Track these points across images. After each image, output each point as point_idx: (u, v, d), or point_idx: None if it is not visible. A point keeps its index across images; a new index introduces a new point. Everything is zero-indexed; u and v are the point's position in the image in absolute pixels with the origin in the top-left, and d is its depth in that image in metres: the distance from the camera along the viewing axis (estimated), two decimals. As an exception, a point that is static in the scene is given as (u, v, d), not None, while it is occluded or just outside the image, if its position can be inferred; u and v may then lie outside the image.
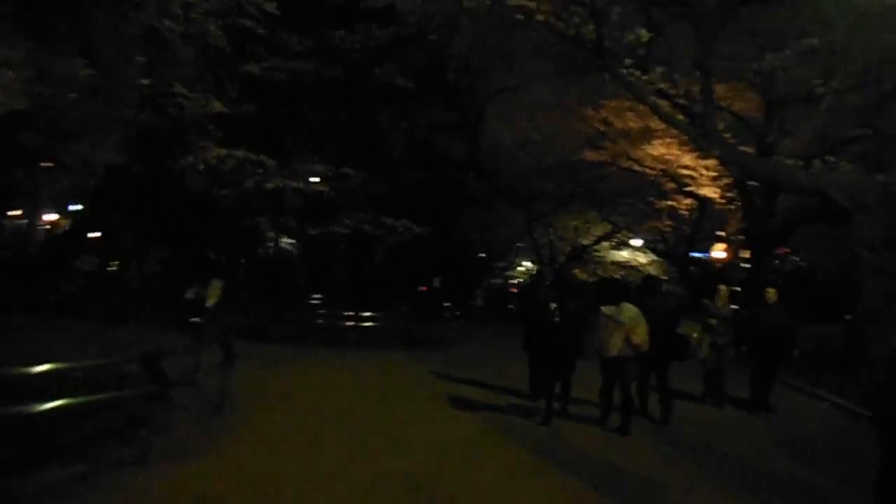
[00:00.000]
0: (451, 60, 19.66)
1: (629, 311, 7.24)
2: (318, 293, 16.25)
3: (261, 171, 13.73)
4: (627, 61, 11.19)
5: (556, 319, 7.43)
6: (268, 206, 14.20)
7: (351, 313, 13.09)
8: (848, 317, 14.10)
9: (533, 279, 30.98)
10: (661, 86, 11.30)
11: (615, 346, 7.18)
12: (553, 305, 7.55)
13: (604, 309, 7.43)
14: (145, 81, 11.52)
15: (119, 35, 10.14)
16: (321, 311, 13.89)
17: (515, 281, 40.17)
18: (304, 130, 15.13)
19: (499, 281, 42.77)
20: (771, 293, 9.24)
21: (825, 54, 11.17)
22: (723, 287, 9.81)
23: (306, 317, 13.49)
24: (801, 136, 13.45)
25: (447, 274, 23.51)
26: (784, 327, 8.85)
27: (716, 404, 9.33)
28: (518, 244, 39.67)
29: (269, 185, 13.35)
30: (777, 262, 16.62)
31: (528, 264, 44.10)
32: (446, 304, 18.58)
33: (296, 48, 14.28)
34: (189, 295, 9.04)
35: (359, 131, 16.69)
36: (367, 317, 13.38)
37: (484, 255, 43.76)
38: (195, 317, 8.62)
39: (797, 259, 19.27)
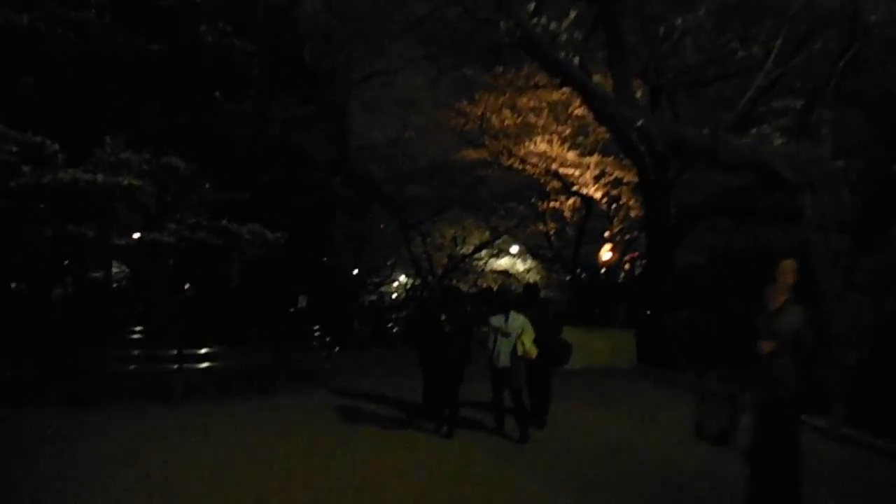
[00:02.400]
0: (306, 39, 16.37)
1: (517, 320, 7.28)
2: (141, 325, 12.08)
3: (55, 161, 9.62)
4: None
5: (447, 330, 7.46)
6: (58, 209, 10.03)
7: (174, 352, 9.29)
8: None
9: (423, 294, 28.41)
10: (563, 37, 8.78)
11: (505, 356, 7.21)
12: (443, 317, 7.55)
13: (492, 320, 7.44)
14: None
15: None
16: (135, 353, 9.76)
17: (394, 297, 37.08)
18: (111, 111, 11.08)
19: (373, 298, 39.60)
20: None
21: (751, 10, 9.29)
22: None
23: (110, 362, 9.44)
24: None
25: (316, 292, 19.92)
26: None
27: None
28: (390, 260, 36.90)
29: (47, 179, 9.23)
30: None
31: (404, 278, 41.33)
32: (315, 329, 15.01)
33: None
34: None
35: (190, 117, 12.86)
36: (200, 355, 9.66)
37: (357, 270, 40.46)
38: None
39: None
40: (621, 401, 10.26)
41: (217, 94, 12.01)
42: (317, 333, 14.28)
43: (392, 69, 18.03)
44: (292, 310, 18.29)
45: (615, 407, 9.65)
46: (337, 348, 12.85)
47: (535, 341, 7.26)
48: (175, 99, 12.15)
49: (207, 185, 14.19)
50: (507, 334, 7.19)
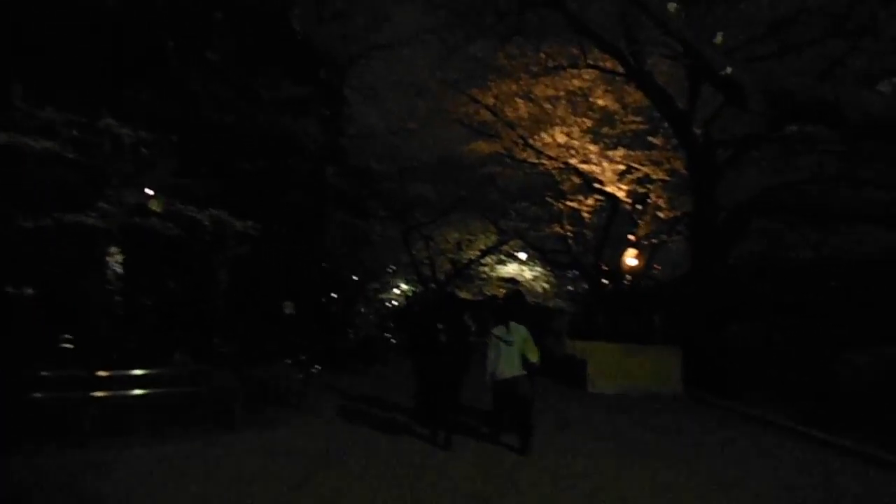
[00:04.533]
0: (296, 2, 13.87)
1: (518, 330, 7.04)
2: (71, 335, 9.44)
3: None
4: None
5: (443, 339, 7.22)
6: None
7: (87, 374, 6.63)
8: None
9: (413, 303, 25.92)
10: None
11: (509, 367, 6.88)
12: (440, 326, 7.31)
13: (494, 331, 7.14)
14: None
15: None
16: (42, 375, 7.02)
17: (394, 304, 34.57)
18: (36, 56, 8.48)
19: (371, 306, 37.02)
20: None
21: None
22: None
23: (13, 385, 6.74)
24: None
25: (306, 297, 17.34)
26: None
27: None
28: (390, 266, 34.37)
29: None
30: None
31: (404, 286, 38.75)
32: (298, 341, 12.35)
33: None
34: None
35: (141, 74, 10.28)
36: (126, 378, 6.98)
37: (355, 276, 37.86)
38: None
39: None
40: (679, 446, 7.55)
41: (170, 43, 9.42)
42: (298, 346, 11.61)
43: (395, 42, 15.49)
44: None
45: (673, 459, 6.84)
46: (317, 367, 10.19)
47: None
48: (122, 49, 9.57)
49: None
50: (510, 343, 6.92)
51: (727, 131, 14.12)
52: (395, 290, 38.59)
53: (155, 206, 10.86)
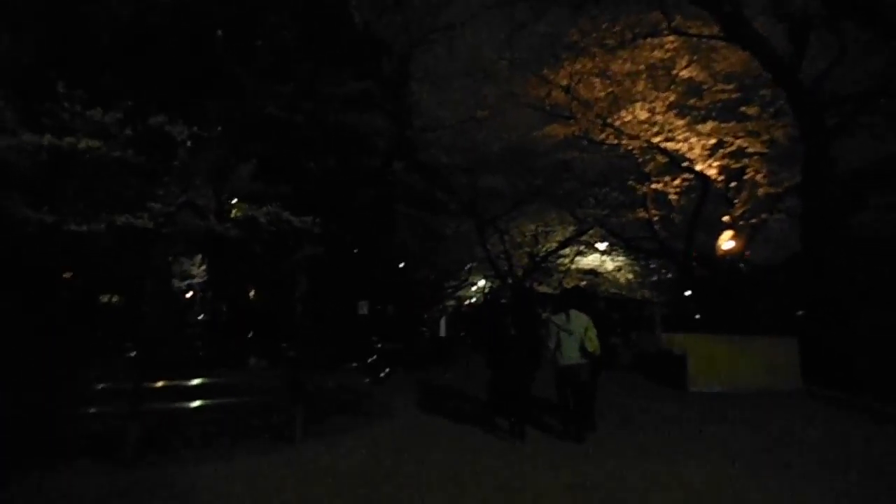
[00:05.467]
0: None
1: (579, 318, 7.01)
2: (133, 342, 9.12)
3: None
4: None
5: (512, 332, 7.16)
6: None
7: (134, 385, 6.08)
8: None
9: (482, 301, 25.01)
10: None
11: (568, 354, 6.91)
12: (508, 320, 7.30)
13: (553, 318, 7.16)
14: None
15: None
16: (94, 389, 6.53)
17: (471, 301, 33.82)
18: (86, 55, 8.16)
19: (452, 303, 36.31)
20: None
21: None
22: None
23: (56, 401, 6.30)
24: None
25: (380, 296, 16.76)
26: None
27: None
28: (470, 263, 33.49)
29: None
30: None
31: (483, 282, 37.79)
32: (376, 342, 11.62)
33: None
34: None
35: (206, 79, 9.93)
36: (188, 388, 6.42)
37: (432, 275, 37.26)
38: None
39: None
40: (815, 455, 6.16)
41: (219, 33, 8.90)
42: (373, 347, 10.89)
43: (458, 23, 14.49)
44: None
45: (803, 473, 5.54)
46: (386, 370, 9.40)
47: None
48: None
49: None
50: (570, 332, 6.93)
51: (835, 93, 12.26)
52: (473, 287, 37.72)
53: (235, 211, 10.51)
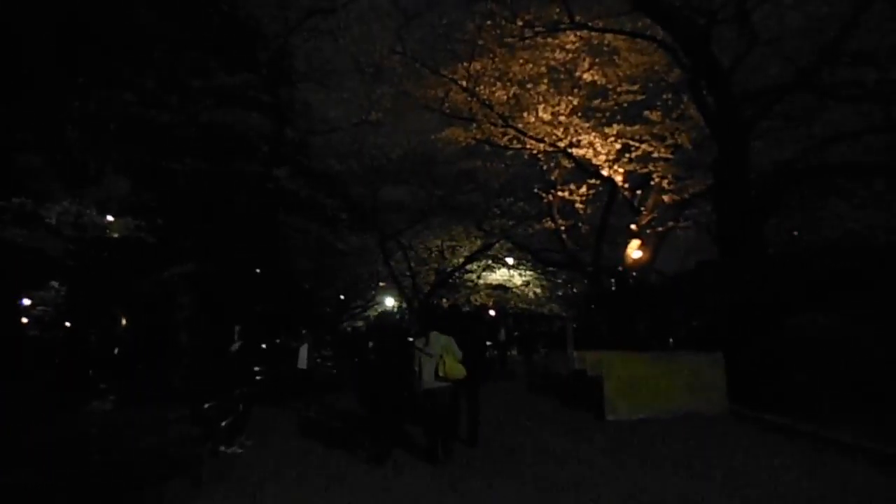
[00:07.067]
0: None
1: (438, 341, 6.70)
2: None
3: None
4: None
5: (372, 357, 7.07)
6: None
7: None
8: None
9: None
10: None
11: (427, 378, 6.63)
12: (370, 344, 7.31)
13: (415, 342, 6.92)
14: None
15: None
16: None
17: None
18: None
19: (361, 324, 33.99)
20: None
21: None
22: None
23: None
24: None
25: (257, 326, 14.34)
26: None
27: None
28: (376, 282, 31.47)
29: None
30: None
31: (392, 301, 35.76)
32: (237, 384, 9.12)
33: None
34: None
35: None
36: None
37: (337, 295, 34.81)
38: None
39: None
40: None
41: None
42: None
43: (340, 4, 12.56)
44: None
45: None
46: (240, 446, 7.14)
47: (463, 361, 6.63)
48: None
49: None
50: (430, 355, 6.60)
51: (747, 86, 11.46)
52: (381, 308, 35.57)
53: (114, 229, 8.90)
